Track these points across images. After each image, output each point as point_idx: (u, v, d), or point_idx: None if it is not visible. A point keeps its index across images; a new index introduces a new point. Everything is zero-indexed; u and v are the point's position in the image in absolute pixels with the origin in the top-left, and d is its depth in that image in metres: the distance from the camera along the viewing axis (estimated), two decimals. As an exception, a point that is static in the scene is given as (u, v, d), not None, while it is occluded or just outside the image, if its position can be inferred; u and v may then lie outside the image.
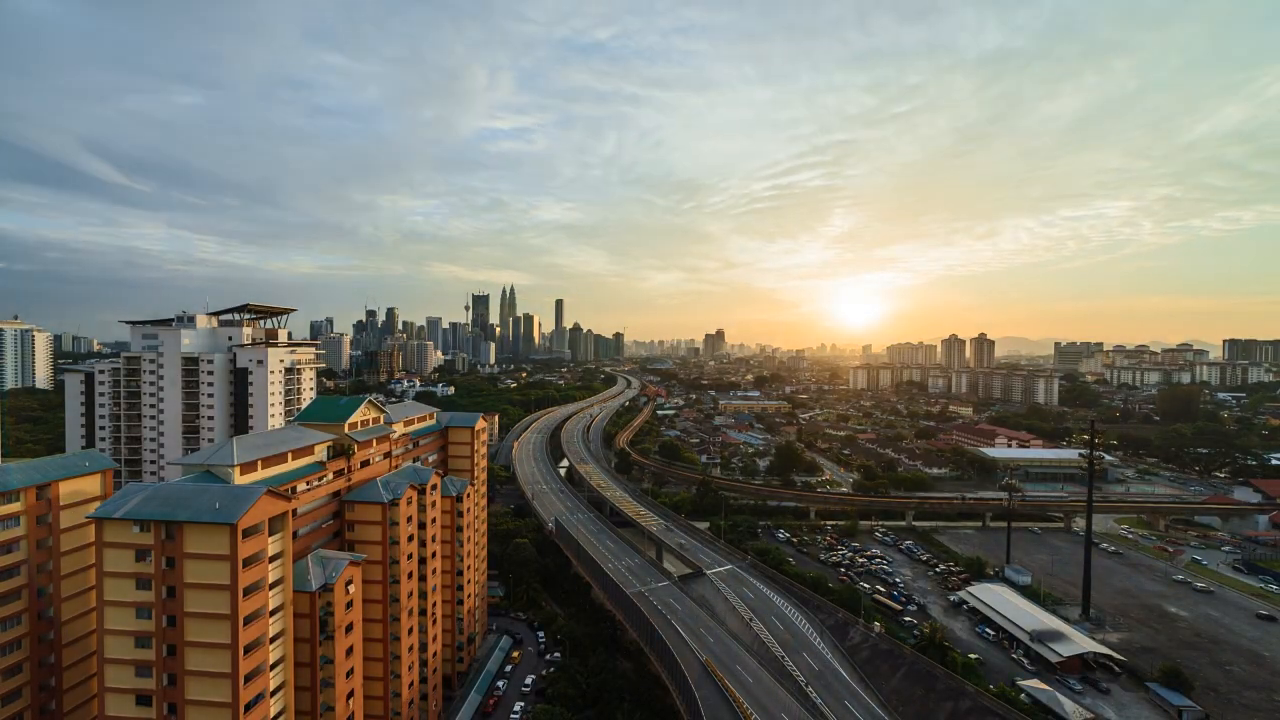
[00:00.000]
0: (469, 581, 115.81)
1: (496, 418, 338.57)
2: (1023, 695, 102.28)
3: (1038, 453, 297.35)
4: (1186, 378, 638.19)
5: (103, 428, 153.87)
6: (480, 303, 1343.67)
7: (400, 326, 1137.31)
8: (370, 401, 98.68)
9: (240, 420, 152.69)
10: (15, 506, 71.06)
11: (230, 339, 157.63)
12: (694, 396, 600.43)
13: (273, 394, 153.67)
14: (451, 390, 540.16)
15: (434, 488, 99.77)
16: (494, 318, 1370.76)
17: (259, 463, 68.86)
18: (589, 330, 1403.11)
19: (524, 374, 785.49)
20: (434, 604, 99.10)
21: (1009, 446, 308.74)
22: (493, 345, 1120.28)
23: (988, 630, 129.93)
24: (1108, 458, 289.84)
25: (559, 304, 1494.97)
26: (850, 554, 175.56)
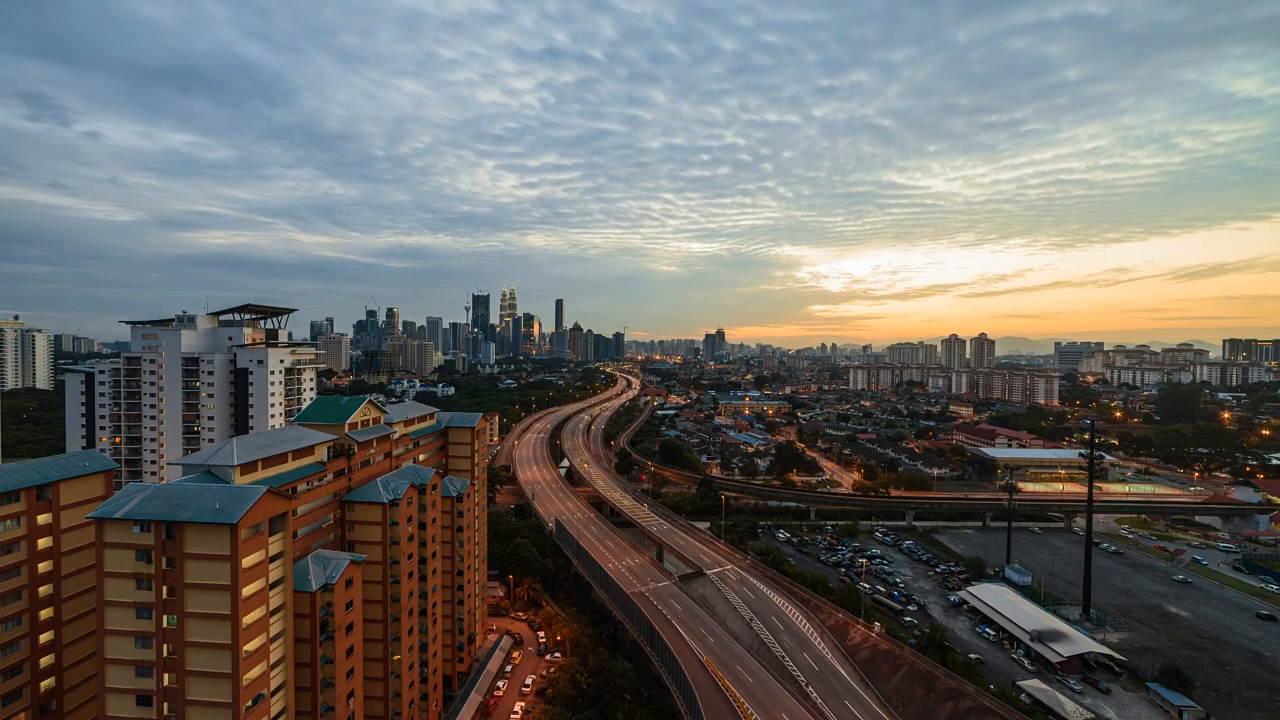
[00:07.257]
0: (469, 581, 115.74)
1: (497, 418, 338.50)
2: (1023, 695, 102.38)
3: (1038, 453, 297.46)
4: (1186, 378, 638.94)
5: (103, 428, 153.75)
6: (480, 303, 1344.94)
7: (400, 327, 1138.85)
8: (370, 402, 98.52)
9: (240, 420, 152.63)
10: (15, 507, 71.01)
11: (230, 339, 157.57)
12: (694, 396, 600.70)
13: (273, 394, 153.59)
14: (452, 390, 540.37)
15: (434, 488, 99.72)
16: (494, 318, 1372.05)
17: (259, 463, 68.82)
18: (589, 330, 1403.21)
19: (524, 374, 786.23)
20: (434, 604, 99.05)
21: (1009, 446, 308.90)
22: (493, 345, 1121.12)
23: (988, 630, 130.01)
24: (1108, 457, 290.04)
25: (559, 304, 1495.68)
26: (850, 554, 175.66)
